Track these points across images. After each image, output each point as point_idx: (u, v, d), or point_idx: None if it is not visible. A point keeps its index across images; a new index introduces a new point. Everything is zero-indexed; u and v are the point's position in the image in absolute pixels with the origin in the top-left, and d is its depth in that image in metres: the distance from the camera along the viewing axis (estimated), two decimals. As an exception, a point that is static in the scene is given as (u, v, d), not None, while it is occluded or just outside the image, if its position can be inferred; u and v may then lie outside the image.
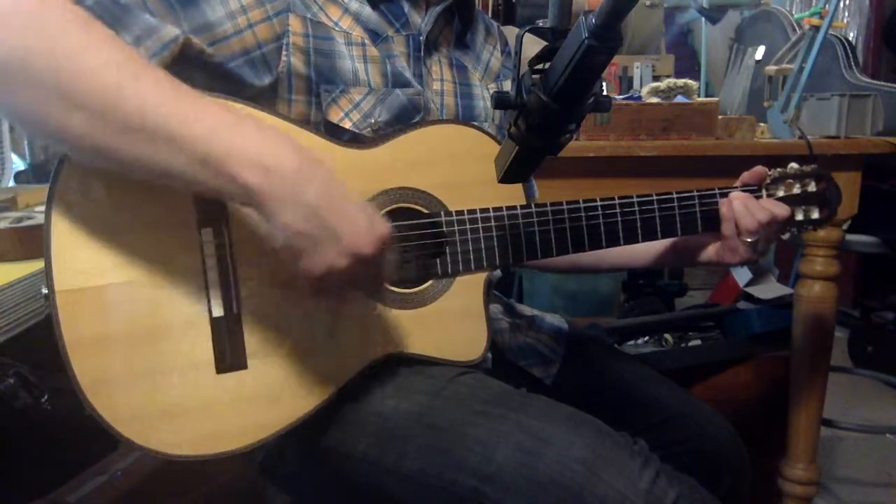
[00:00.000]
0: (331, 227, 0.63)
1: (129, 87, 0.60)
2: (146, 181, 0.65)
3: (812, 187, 0.96)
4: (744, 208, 0.90)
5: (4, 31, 0.59)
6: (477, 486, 0.70)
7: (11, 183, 1.70)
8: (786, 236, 0.95)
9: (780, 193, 0.95)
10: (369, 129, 0.82)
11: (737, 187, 0.94)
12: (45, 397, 0.97)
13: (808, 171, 0.97)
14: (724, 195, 0.92)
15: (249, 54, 0.75)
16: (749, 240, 0.90)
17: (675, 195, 0.91)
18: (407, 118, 0.85)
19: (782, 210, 0.92)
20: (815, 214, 0.97)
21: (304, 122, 0.79)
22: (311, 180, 0.63)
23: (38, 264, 1.01)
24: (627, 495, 0.66)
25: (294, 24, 0.77)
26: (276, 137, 0.64)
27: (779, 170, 0.96)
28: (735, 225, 0.90)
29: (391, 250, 0.69)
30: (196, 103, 0.62)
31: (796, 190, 0.96)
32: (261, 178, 0.61)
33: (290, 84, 0.79)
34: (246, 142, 0.62)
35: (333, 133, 0.81)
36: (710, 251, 0.96)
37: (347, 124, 0.81)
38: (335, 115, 0.81)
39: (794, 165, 0.97)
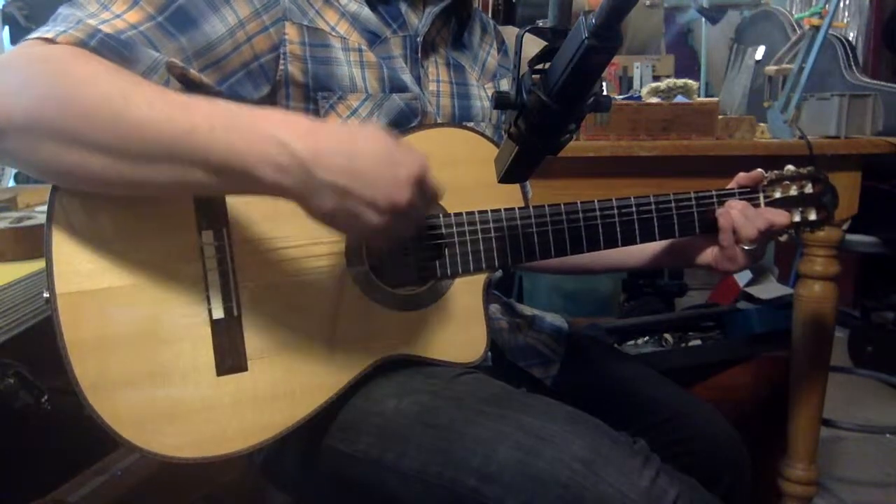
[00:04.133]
0: (361, 195, 0.62)
1: (124, 116, 0.61)
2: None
3: (809, 189, 0.96)
4: (743, 218, 0.89)
5: (9, 86, 0.61)
6: (477, 486, 0.70)
7: (11, 183, 1.70)
8: (783, 238, 0.95)
9: (778, 195, 0.95)
10: None
11: (733, 189, 0.94)
12: (45, 397, 0.97)
13: (805, 173, 0.97)
14: (722, 198, 0.92)
15: (248, 67, 0.75)
16: (747, 248, 0.90)
17: (672, 197, 0.91)
18: (405, 122, 0.85)
19: (781, 217, 0.91)
20: (813, 216, 0.97)
21: None
22: (328, 155, 0.61)
23: (38, 264, 1.01)
24: (627, 494, 0.66)
25: (291, 32, 0.77)
26: (277, 120, 0.62)
27: (776, 172, 0.96)
28: (733, 234, 0.90)
29: (426, 184, 0.66)
30: (187, 109, 0.62)
31: (793, 192, 0.96)
32: (279, 173, 0.61)
33: (287, 92, 0.79)
34: (250, 138, 0.61)
35: None
36: (708, 256, 0.96)
37: None
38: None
39: (790, 168, 0.97)
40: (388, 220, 0.64)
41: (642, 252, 1.03)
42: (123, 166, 0.62)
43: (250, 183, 0.62)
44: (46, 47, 0.63)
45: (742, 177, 0.96)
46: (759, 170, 0.96)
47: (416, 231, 0.71)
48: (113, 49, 0.65)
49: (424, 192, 0.66)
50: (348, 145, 0.63)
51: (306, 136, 0.61)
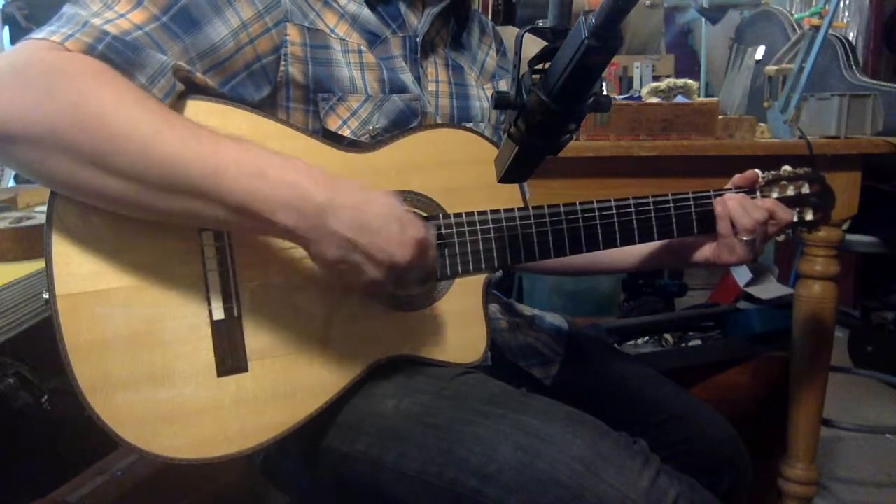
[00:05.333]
0: (365, 249, 0.67)
1: (154, 147, 0.62)
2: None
3: (806, 189, 0.97)
4: (740, 207, 0.91)
5: (27, 95, 0.61)
6: (477, 486, 0.70)
7: (11, 183, 1.70)
8: (780, 238, 0.96)
9: (775, 195, 0.96)
10: (367, 135, 0.82)
11: (730, 189, 0.95)
12: (45, 397, 0.97)
13: (802, 174, 0.97)
14: (720, 196, 0.93)
15: (250, 68, 0.75)
16: (746, 238, 0.91)
17: (670, 197, 0.91)
18: (404, 123, 0.85)
19: (779, 208, 0.92)
20: (810, 216, 0.97)
21: (303, 129, 0.79)
22: (342, 208, 0.66)
23: (38, 264, 1.01)
24: (628, 494, 0.66)
25: (292, 33, 0.77)
26: (300, 170, 0.66)
27: (773, 172, 0.96)
28: (731, 223, 0.91)
29: (429, 250, 0.71)
30: (217, 150, 0.64)
31: (790, 192, 0.96)
32: (294, 218, 0.65)
33: (287, 93, 0.79)
34: (273, 184, 0.64)
35: (332, 140, 0.81)
36: (707, 251, 0.97)
37: (346, 132, 0.81)
38: (333, 124, 0.81)
39: (787, 168, 0.97)
40: (386, 276, 0.68)
41: (641, 252, 1.03)
42: (141, 194, 0.64)
43: (265, 224, 0.65)
44: (61, 56, 0.63)
45: (737, 178, 0.96)
46: (755, 170, 0.96)
47: (413, 289, 0.74)
48: (120, 52, 0.65)
49: (424, 255, 0.70)
50: (362, 202, 0.67)
51: (325, 187, 0.66)
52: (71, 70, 0.62)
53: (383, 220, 0.68)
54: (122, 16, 0.67)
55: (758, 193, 0.95)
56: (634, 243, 0.91)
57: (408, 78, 0.86)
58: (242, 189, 0.64)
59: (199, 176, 0.63)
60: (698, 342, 1.70)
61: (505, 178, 0.70)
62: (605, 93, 0.63)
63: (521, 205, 0.87)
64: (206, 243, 0.72)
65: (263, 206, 0.64)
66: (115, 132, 0.61)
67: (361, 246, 0.66)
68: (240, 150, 0.65)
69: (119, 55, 0.65)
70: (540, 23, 0.65)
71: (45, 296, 0.67)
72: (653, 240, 0.91)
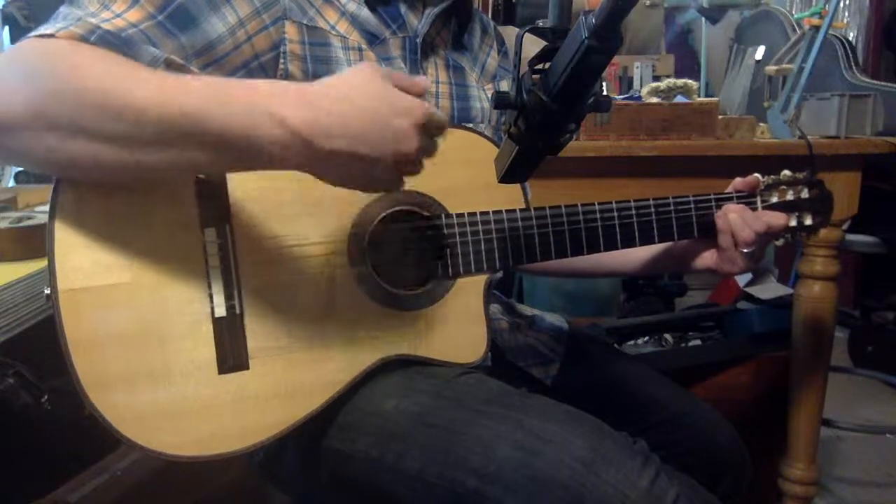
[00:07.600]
0: (367, 157, 0.62)
1: (121, 98, 0.59)
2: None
3: (805, 194, 0.97)
4: (740, 221, 0.90)
5: (10, 83, 0.60)
6: (477, 486, 0.70)
7: (11, 183, 1.70)
8: (779, 242, 0.96)
9: (774, 200, 0.96)
10: None
11: (731, 193, 0.95)
12: (45, 397, 0.97)
13: (802, 178, 0.97)
14: (720, 202, 0.93)
15: (248, 66, 0.75)
16: (746, 251, 0.90)
17: (671, 200, 0.91)
18: None
19: (779, 220, 0.91)
20: (808, 220, 0.97)
21: None
22: (325, 125, 0.60)
23: (38, 264, 1.02)
24: (627, 494, 0.66)
25: (290, 31, 0.77)
26: (270, 96, 0.61)
27: (772, 176, 0.97)
28: (732, 237, 0.90)
29: (431, 121, 0.65)
30: (183, 92, 0.60)
31: (790, 196, 0.96)
32: (283, 151, 0.60)
33: None
34: (250, 116, 0.60)
35: None
36: (709, 259, 0.96)
37: None
38: None
39: (787, 172, 0.97)
40: (401, 170, 0.65)
41: (642, 256, 1.03)
42: (125, 154, 0.61)
43: (256, 161, 0.62)
44: (45, 42, 0.63)
45: (739, 182, 0.96)
46: (756, 175, 0.96)
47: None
48: (113, 45, 0.65)
49: (430, 131, 0.65)
50: (344, 106, 0.61)
51: (300, 106, 0.60)
52: (47, 50, 0.62)
53: (373, 118, 0.62)
54: (118, 15, 0.67)
55: (758, 198, 0.96)
56: (635, 245, 0.91)
57: (408, 78, 0.86)
58: (216, 123, 0.60)
59: (171, 118, 0.59)
60: (698, 342, 1.70)
61: (505, 178, 0.70)
62: (605, 93, 0.63)
63: (523, 205, 0.87)
64: (208, 239, 0.72)
65: (247, 140, 0.60)
66: (81, 90, 0.59)
67: (361, 153, 0.62)
68: (203, 84, 0.62)
69: (111, 47, 0.65)
70: (540, 23, 0.64)
71: (47, 291, 0.67)
72: (653, 242, 0.91)
